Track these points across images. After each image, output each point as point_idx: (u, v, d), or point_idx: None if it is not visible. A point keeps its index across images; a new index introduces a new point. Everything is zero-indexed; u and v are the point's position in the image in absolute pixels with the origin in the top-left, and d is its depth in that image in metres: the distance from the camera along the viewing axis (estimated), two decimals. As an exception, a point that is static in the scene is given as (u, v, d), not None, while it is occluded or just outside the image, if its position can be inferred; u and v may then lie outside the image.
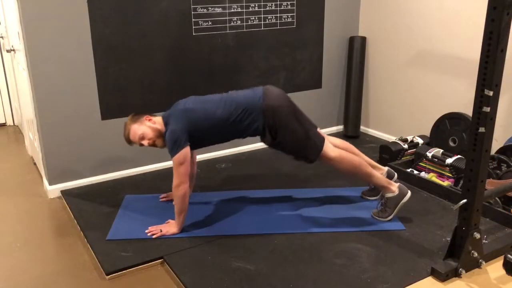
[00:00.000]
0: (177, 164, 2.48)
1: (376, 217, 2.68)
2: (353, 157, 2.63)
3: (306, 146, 2.57)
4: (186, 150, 2.49)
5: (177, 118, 2.53)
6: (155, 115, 2.66)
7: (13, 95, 4.65)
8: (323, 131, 4.20)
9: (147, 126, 2.58)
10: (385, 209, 2.66)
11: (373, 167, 2.85)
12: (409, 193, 2.63)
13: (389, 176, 2.87)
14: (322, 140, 2.60)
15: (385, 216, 2.65)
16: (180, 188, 2.49)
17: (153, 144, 2.61)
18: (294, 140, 2.56)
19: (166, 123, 2.58)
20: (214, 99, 2.62)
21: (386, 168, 2.91)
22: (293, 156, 2.66)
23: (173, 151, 2.48)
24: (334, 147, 2.65)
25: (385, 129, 4.15)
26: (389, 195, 2.64)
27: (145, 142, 2.59)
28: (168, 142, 2.50)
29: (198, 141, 2.60)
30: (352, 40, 4.07)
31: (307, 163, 2.63)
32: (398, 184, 2.67)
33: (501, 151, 3.02)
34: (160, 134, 2.59)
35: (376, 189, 2.87)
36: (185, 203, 2.53)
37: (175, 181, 2.49)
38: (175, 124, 2.51)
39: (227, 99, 2.60)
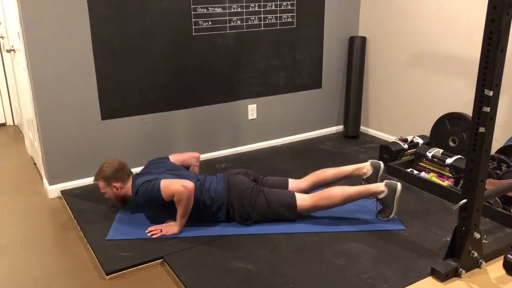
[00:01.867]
0: (165, 189, 2.49)
1: (381, 218, 2.69)
2: (326, 193, 2.64)
3: (279, 214, 2.63)
4: (159, 181, 2.52)
5: (144, 178, 2.60)
6: (130, 178, 2.71)
7: (13, 95, 4.65)
8: (323, 131, 4.27)
9: (111, 191, 2.72)
10: (385, 209, 2.67)
11: (357, 169, 2.88)
12: (399, 185, 2.63)
13: (375, 168, 2.87)
14: (292, 198, 2.63)
15: (387, 215, 2.66)
16: (185, 191, 2.47)
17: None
18: (266, 214, 2.63)
19: (133, 184, 2.63)
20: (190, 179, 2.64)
21: (368, 163, 2.90)
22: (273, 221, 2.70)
23: (154, 194, 2.51)
24: (311, 186, 2.77)
25: (385, 129, 4.15)
26: (381, 196, 2.65)
27: (105, 196, 2.78)
28: (144, 193, 2.54)
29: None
30: (352, 40, 4.07)
31: (290, 222, 2.67)
32: (384, 182, 2.66)
33: (501, 151, 3.02)
34: (122, 199, 2.77)
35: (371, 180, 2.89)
36: (191, 204, 2.52)
37: (178, 195, 2.47)
38: (141, 179, 2.59)
39: (199, 186, 2.64)
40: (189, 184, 2.48)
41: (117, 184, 2.68)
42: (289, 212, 2.63)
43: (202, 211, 2.63)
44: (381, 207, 2.68)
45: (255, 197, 2.61)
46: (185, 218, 2.56)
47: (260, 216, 2.63)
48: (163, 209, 2.63)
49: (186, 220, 2.58)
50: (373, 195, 2.67)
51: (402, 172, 3.19)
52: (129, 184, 2.69)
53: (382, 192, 2.64)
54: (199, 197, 2.60)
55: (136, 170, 3.41)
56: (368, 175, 2.86)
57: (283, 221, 2.66)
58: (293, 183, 2.83)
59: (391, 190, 2.62)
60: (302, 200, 2.63)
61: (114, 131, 3.28)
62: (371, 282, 2.15)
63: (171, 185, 2.48)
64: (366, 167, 2.88)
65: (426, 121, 3.67)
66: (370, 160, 2.92)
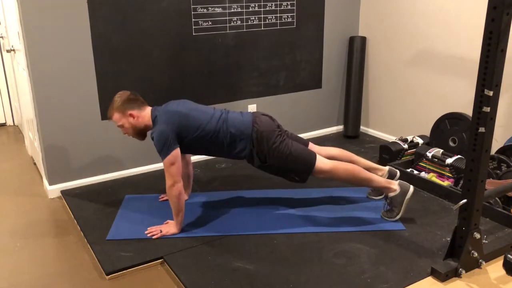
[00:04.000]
0: (168, 164, 2.48)
1: (386, 218, 2.68)
2: (347, 166, 2.65)
3: (296, 168, 2.62)
4: (176, 151, 2.49)
5: (168, 119, 2.52)
6: (146, 107, 2.62)
7: (13, 95, 4.65)
8: (323, 131, 4.26)
9: (128, 122, 2.59)
10: (392, 209, 2.66)
11: (374, 169, 2.87)
12: (412, 188, 2.63)
13: (391, 175, 2.89)
14: (312, 157, 2.62)
15: (393, 215, 2.66)
16: (174, 188, 2.48)
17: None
18: (283, 163, 2.61)
19: (154, 120, 2.57)
20: (207, 112, 2.63)
21: (387, 168, 2.92)
22: (284, 177, 2.69)
23: (163, 153, 2.48)
24: (327, 159, 2.69)
25: (385, 129, 4.15)
26: (392, 194, 2.64)
27: (122, 131, 2.66)
28: (158, 143, 2.49)
29: (180, 147, 2.56)
30: (352, 40, 4.07)
31: (300, 182, 2.67)
32: (398, 181, 2.67)
33: (501, 151, 3.02)
34: (140, 132, 2.63)
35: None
36: (181, 202, 2.52)
37: (168, 182, 2.49)
38: (165, 125, 2.50)
39: (220, 117, 2.62)
40: (179, 185, 2.47)
41: (133, 112, 2.56)
42: (306, 169, 2.61)
43: (223, 144, 2.58)
44: (389, 207, 2.68)
45: (278, 142, 2.58)
46: (179, 217, 2.55)
47: (276, 162, 2.59)
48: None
49: (182, 219, 2.57)
50: (385, 189, 2.66)
51: (402, 172, 3.19)
52: (144, 112, 2.59)
53: (394, 190, 2.64)
54: (221, 127, 2.57)
55: (136, 170, 3.42)
56: None
57: (295, 177, 2.64)
58: (313, 147, 2.81)
59: (403, 190, 2.62)
60: (322, 163, 2.62)
61: (114, 131, 3.27)
62: (371, 282, 2.15)
63: (170, 169, 2.46)
64: (383, 170, 2.89)
65: (426, 121, 3.67)
66: (389, 166, 2.94)
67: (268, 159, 2.59)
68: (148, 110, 2.62)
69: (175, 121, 2.52)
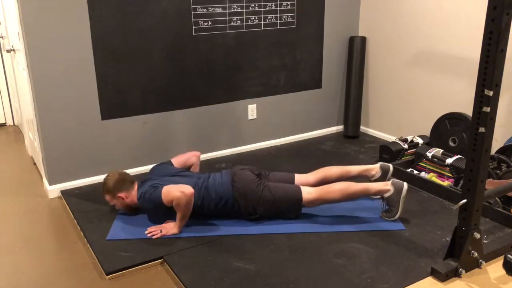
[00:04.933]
0: (166, 197, 2.50)
1: (385, 218, 2.69)
2: (334, 187, 2.67)
3: (285, 209, 2.66)
4: (161, 187, 2.54)
5: (149, 192, 2.60)
6: (135, 186, 2.73)
7: (13, 95, 4.65)
8: (323, 131, 4.27)
9: (119, 202, 2.73)
10: (390, 209, 2.67)
11: (366, 170, 2.90)
12: (405, 185, 2.64)
13: (384, 171, 2.89)
14: (297, 193, 2.65)
15: (392, 215, 2.66)
16: (182, 198, 2.47)
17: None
18: (272, 209, 2.65)
19: (139, 197, 2.64)
20: (188, 183, 2.63)
21: (378, 165, 2.92)
22: (279, 218, 2.70)
23: (156, 195, 2.53)
24: (317, 183, 2.76)
25: (385, 129, 4.15)
26: (387, 195, 2.65)
27: (116, 208, 2.80)
28: (146, 199, 2.58)
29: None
30: (352, 40, 4.07)
31: (294, 219, 2.69)
32: (391, 181, 2.67)
33: (501, 151, 3.02)
34: (130, 208, 2.76)
35: None
36: (190, 210, 2.54)
37: (176, 200, 2.48)
38: (147, 190, 2.60)
39: (202, 185, 2.66)
40: (188, 190, 2.48)
41: (122, 194, 2.70)
42: (295, 205, 2.64)
43: (208, 208, 2.64)
44: (387, 207, 2.68)
45: (260, 192, 2.62)
46: (184, 220, 2.57)
47: (266, 211, 2.64)
48: (170, 213, 2.63)
49: (185, 222, 2.58)
50: (379, 193, 2.67)
51: (402, 172, 3.19)
52: (134, 192, 2.72)
53: (388, 190, 2.64)
54: (204, 193, 2.63)
55: (136, 170, 3.42)
56: (376, 178, 2.88)
57: (288, 215, 2.67)
58: (300, 178, 2.84)
59: (397, 189, 2.62)
60: (308, 193, 2.64)
61: (114, 131, 3.28)
62: (371, 282, 2.15)
63: (171, 192, 2.50)
64: (375, 169, 2.90)
65: (426, 121, 3.67)
66: (380, 163, 2.94)
67: (257, 210, 2.64)
68: (136, 187, 2.74)
69: (154, 198, 2.57)
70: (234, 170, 2.75)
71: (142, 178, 2.81)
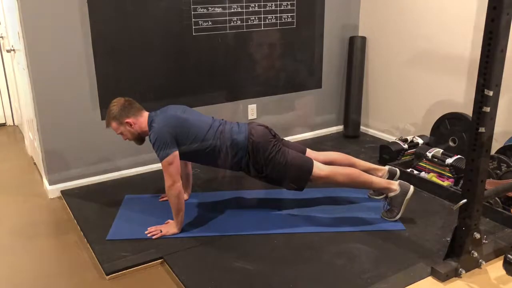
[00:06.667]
0: (166, 165, 2.48)
1: (386, 218, 2.68)
2: (345, 170, 2.66)
3: (293, 177, 2.63)
4: (174, 151, 2.49)
5: (166, 122, 2.53)
6: (143, 113, 2.63)
7: (13, 95, 4.65)
8: (323, 131, 4.27)
9: (126, 130, 2.62)
10: (392, 209, 2.66)
11: (373, 169, 2.88)
12: (412, 188, 2.64)
13: (391, 174, 2.90)
14: (309, 164, 2.62)
15: (393, 216, 2.65)
16: (173, 187, 2.48)
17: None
18: (280, 173, 2.62)
19: (150, 124, 2.56)
20: (206, 122, 2.64)
21: (386, 168, 2.92)
22: (281, 186, 2.69)
23: (161, 153, 2.48)
24: (325, 164, 2.70)
25: (385, 129, 4.15)
26: (392, 194, 2.64)
27: (122, 138, 2.68)
28: (156, 143, 2.49)
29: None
30: (352, 40, 4.07)
31: (297, 190, 2.68)
32: (398, 181, 2.67)
33: (501, 151, 3.02)
34: (139, 136, 2.65)
35: None
36: (181, 202, 2.52)
37: (167, 182, 2.49)
38: (163, 126, 2.51)
39: (217, 128, 2.63)
40: (178, 185, 2.47)
41: (130, 120, 2.57)
42: (303, 176, 2.61)
43: (219, 155, 2.60)
44: (389, 207, 2.68)
45: (274, 152, 2.59)
46: (180, 216, 2.56)
47: (274, 173, 2.61)
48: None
49: (182, 219, 2.57)
50: (386, 190, 2.66)
51: (402, 172, 3.19)
52: (142, 118, 2.60)
53: (394, 190, 2.64)
54: (219, 137, 2.59)
55: (136, 170, 3.42)
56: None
57: (292, 185, 2.64)
58: (310, 153, 2.82)
59: (404, 190, 2.62)
60: (319, 169, 2.62)
61: (114, 131, 3.27)
62: (371, 282, 2.15)
63: (168, 169, 2.46)
64: (382, 170, 2.90)
65: (426, 121, 3.67)
66: (388, 166, 2.94)
67: (264, 169, 2.61)
68: (145, 115, 2.63)
69: (172, 125, 2.53)
70: (252, 124, 2.70)
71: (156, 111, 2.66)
